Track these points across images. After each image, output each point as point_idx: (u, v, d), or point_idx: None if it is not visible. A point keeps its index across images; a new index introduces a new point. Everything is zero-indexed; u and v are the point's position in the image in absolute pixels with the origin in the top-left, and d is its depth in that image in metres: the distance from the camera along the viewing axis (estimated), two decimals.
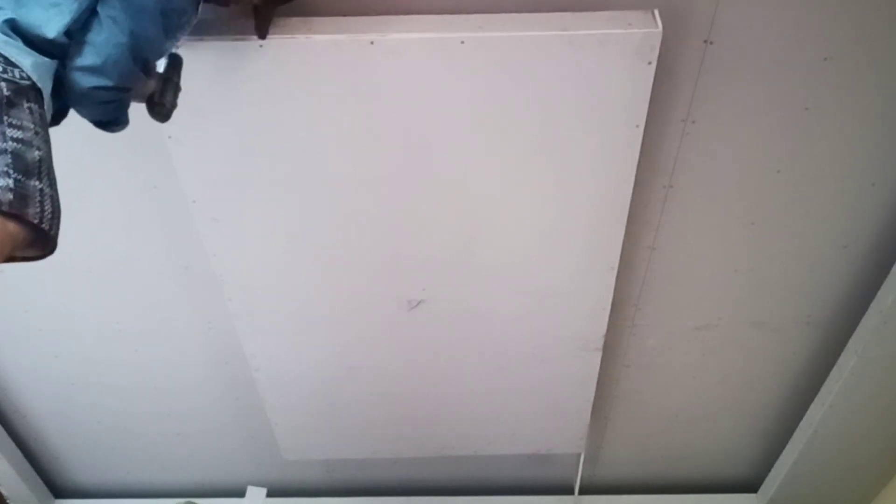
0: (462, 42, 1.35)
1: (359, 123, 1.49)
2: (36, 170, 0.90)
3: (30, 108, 0.94)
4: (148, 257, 1.91)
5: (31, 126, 0.93)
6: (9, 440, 2.48)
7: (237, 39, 1.36)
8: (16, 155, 0.88)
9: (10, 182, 0.86)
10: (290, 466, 2.59)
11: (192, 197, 1.63)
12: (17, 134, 0.90)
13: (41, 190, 0.90)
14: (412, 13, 1.40)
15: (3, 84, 0.92)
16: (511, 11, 1.39)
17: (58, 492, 2.76)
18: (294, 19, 1.38)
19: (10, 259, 0.92)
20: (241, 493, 2.72)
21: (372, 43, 1.35)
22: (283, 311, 1.90)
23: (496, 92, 1.43)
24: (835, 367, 2.13)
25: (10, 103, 0.91)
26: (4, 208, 0.85)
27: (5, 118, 0.90)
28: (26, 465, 2.57)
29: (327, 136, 1.51)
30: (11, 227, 0.86)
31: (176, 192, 1.70)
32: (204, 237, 1.71)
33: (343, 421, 2.24)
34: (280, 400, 2.16)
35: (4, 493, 2.55)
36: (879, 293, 1.91)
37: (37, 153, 0.91)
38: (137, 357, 2.20)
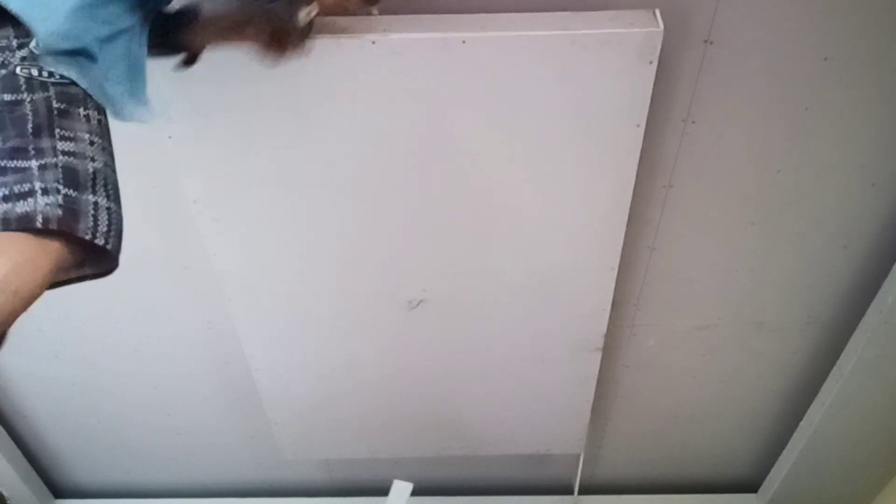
0: (464, 42, 1.35)
1: (359, 123, 1.49)
2: (90, 182, 0.85)
3: (86, 115, 0.88)
4: (148, 257, 1.91)
5: (86, 136, 0.87)
6: (9, 440, 2.48)
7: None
8: (66, 169, 0.83)
9: (59, 198, 0.81)
10: (290, 466, 2.59)
11: (192, 197, 1.63)
12: (69, 146, 0.84)
13: (96, 203, 0.85)
14: (413, 13, 1.40)
15: (53, 92, 0.86)
16: (513, 11, 1.39)
17: (58, 492, 2.76)
18: None
19: (67, 282, 0.88)
20: (241, 493, 2.73)
21: (373, 43, 1.35)
22: (283, 311, 1.90)
23: (497, 91, 1.43)
24: (835, 367, 2.13)
25: (62, 113, 0.86)
26: (52, 226, 0.79)
27: (56, 130, 0.84)
28: (26, 465, 2.57)
29: (327, 135, 1.51)
30: (53, 246, 0.81)
31: (176, 192, 1.71)
32: (204, 237, 1.71)
33: (343, 421, 2.24)
34: (280, 400, 2.16)
35: (5, 493, 2.55)
36: (879, 293, 1.91)
37: (91, 165, 0.85)
38: (137, 357, 2.20)
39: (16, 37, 0.87)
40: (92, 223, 0.84)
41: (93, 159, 0.87)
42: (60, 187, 0.81)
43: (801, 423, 2.33)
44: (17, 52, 0.86)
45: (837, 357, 2.11)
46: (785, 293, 1.99)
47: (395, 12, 1.39)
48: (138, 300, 2.04)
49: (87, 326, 2.12)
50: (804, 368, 2.22)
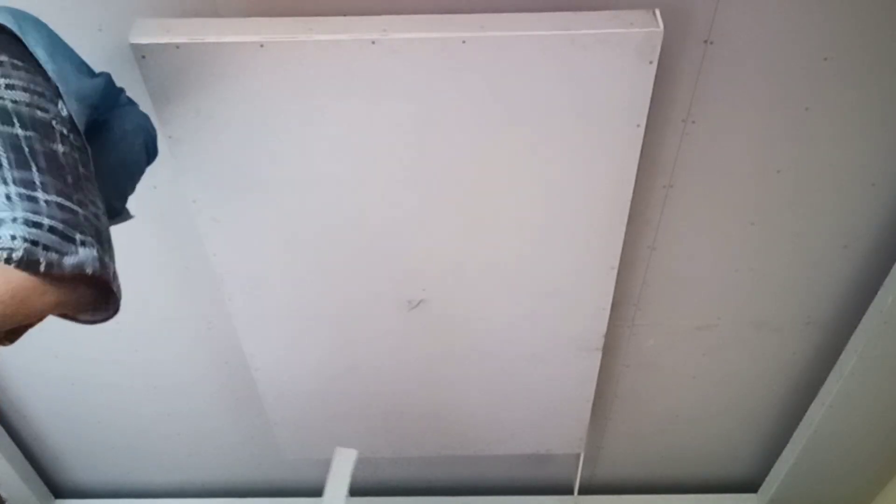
0: (464, 41, 1.35)
1: (359, 123, 1.49)
2: (108, 246, 0.94)
3: (98, 189, 0.96)
4: (148, 257, 1.91)
5: (101, 206, 0.95)
6: (9, 440, 2.48)
7: (238, 39, 1.36)
8: (96, 229, 0.91)
9: (95, 252, 0.89)
10: (290, 466, 2.59)
11: (192, 197, 1.63)
12: (94, 210, 0.93)
13: (112, 262, 0.94)
14: (414, 13, 1.40)
15: (78, 157, 0.93)
16: (512, 11, 1.39)
17: (58, 492, 2.76)
18: (294, 19, 1.38)
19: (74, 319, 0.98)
20: (241, 493, 2.74)
21: (373, 43, 1.35)
22: (283, 311, 1.90)
23: (497, 91, 1.43)
24: (835, 367, 2.13)
25: (88, 178, 0.93)
26: (92, 271, 0.88)
27: (86, 192, 0.92)
28: (26, 465, 2.57)
29: (327, 135, 1.51)
30: (81, 289, 0.90)
31: (176, 192, 1.70)
32: (204, 237, 1.71)
33: (343, 421, 2.24)
34: (280, 400, 2.16)
35: (4, 494, 2.55)
36: (879, 293, 1.91)
37: (105, 233, 0.94)
38: (137, 357, 2.20)
39: (50, 86, 0.93)
40: (115, 277, 0.94)
41: (107, 228, 0.95)
42: (94, 242, 0.90)
43: (801, 423, 2.33)
44: (56, 106, 0.93)
45: (837, 357, 2.11)
46: (785, 293, 1.99)
47: (396, 12, 1.40)
48: (138, 300, 2.04)
49: (87, 326, 2.11)
50: (804, 368, 2.22)
